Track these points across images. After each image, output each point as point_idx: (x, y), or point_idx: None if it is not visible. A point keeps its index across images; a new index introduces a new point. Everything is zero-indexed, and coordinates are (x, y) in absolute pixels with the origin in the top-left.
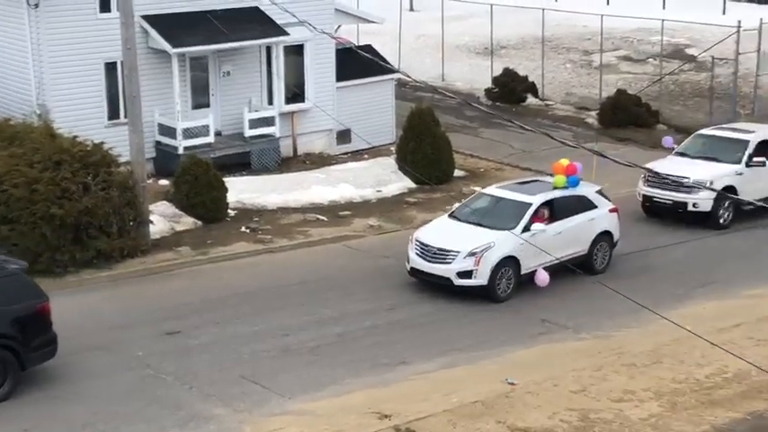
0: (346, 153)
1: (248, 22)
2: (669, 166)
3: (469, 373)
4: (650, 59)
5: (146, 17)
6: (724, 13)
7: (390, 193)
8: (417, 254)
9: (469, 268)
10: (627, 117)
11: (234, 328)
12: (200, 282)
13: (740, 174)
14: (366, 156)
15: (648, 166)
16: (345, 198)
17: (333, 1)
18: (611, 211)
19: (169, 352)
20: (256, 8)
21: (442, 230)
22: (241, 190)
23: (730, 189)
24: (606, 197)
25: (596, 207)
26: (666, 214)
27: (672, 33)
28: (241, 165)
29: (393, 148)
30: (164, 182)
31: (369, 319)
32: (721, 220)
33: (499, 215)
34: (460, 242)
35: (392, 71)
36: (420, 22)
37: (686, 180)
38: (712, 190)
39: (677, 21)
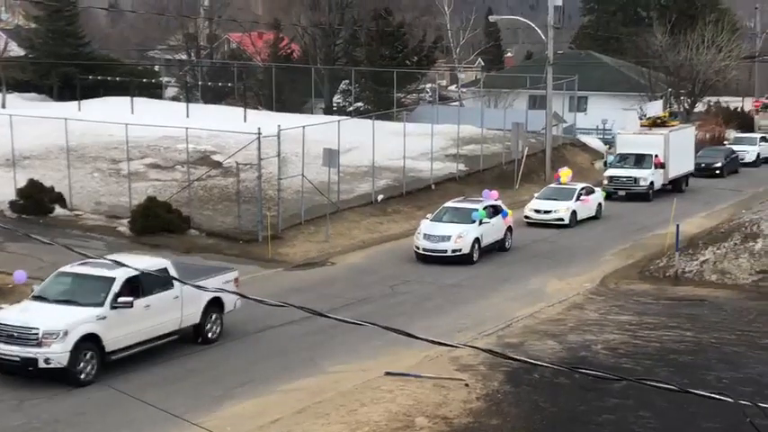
0: None
1: None
2: (7, 314)
3: None
4: (178, 166)
5: None
6: (245, 120)
7: None
8: None
9: None
10: (159, 223)
11: None
12: None
13: (103, 318)
14: None
15: None
16: None
17: None
18: None
19: None
20: None
21: None
22: None
23: (92, 337)
24: None
25: None
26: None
27: (198, 141)
28: None
29: None
30: None
31: None
32: (82, 375)
33: None
34: None
35: None
36: None
37: (37, 330)
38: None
39: (201, 129)
